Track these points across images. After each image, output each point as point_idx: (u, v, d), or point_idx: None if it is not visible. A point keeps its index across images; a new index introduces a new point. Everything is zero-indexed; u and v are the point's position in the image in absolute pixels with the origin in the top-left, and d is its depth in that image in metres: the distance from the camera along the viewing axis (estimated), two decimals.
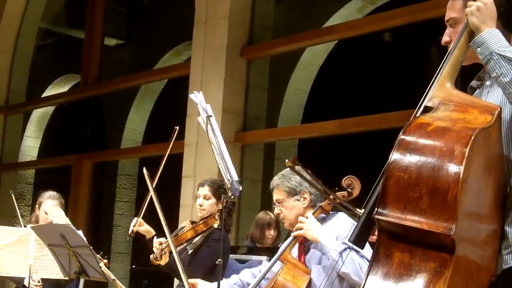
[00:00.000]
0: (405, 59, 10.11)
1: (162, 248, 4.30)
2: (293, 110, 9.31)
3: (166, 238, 4.21)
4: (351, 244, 3.40)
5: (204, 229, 4.54)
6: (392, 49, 10.73)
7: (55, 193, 5.67)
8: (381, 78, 10.22)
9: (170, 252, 4.22)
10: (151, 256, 4.38)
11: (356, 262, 3.44)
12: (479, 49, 2.31)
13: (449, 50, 2.39)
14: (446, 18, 2.53)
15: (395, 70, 10.05)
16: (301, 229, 3.66)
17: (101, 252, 5.00)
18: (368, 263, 3.34)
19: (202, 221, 4.55)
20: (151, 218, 4.57)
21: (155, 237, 4.44)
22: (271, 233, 6.39)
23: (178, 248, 4.45)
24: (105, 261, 4.87)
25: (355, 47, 9.48)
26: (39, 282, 5.18)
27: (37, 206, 5.60)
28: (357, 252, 3.44)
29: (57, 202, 5.56)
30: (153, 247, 4.39)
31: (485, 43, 2.30)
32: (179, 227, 4.67)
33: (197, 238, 4.56)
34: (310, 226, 3.64)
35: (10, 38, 11.43)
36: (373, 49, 10.16)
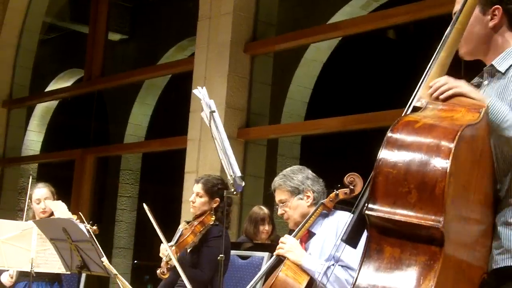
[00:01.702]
0: (409, 57, 10.10)
1: (167, 262, 4.32)
2: (297, 106, 9.31)
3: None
4: (331, 262, 3.46)
5: (202, 229, 4.55)
6: (396, 46, 10.73)
7: (43, 183, 5.69)
8: (385, 75, 10.22)
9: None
10: (158, 271, 4.38)
11: (342, 278, 3.48)
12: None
13: (437, 50, 2.39)
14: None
15: (399, 68, 10.04)
16: (282, 249, 3.68)
17: (91, 221, 5.03)
18: (353, 273, 3.40)
19: (198, 222, 4.54)
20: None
21: (161, 246, 4.44)
22: (265, 228, 6.36)
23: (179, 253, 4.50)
24: (94, 227, 4.90)
25: (359, 44, 9.48)
26: (12, 277, 5.22)
27: (29, 200, 5.59)
28: (340, 264, 3.48)
29: (47, 190, 5.56)
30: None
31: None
32: (177, 229, 4.66)
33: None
34: (290, 248, 3.65)
35: (14, 32, 11.44)
36: (377, 46, 10.16)
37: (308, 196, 3.82)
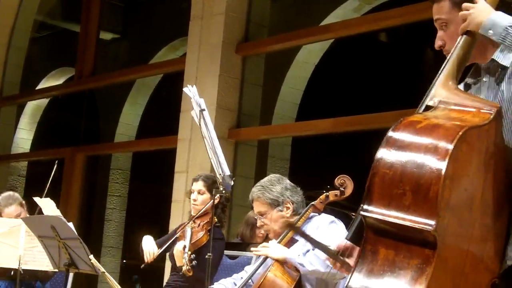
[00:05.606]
0: (400, 59, 10.13)
1: (192, 259, 4.16)
2: (288, 108, 9.31)
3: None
4: (312, 247, 3.44)
5: (209, 228, 4.49)
6: (387, 49, 10.74)
7: (11, 193, 5.56)
8: (376, 78, 10.24)
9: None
10: (184, 268, 4.23)
11: (320, 257, 3.42)
12: (491, 31, 2.27)
13: (453, 48, 2.37)
14: (434, 18, 2.50)
15: (390, 70, 10.06)
16: (263, 250, 3.67)
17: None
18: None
19: (206, 221, 4.49)
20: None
21: (177, 245, 4.39)
22: (261, 231, 6.33)
23: None
24: None
25: (351, 46, 9.49)
26: None
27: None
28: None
29: (17, 203, 5.42)
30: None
31: (496, 23, 2.26)
32: (183, 228, 4.59)
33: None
34: (273, 250, 3.63)
35: (5, 30, 11.40)
36: (368, 49, 10.17)
37: (288, 207, 3.78)
